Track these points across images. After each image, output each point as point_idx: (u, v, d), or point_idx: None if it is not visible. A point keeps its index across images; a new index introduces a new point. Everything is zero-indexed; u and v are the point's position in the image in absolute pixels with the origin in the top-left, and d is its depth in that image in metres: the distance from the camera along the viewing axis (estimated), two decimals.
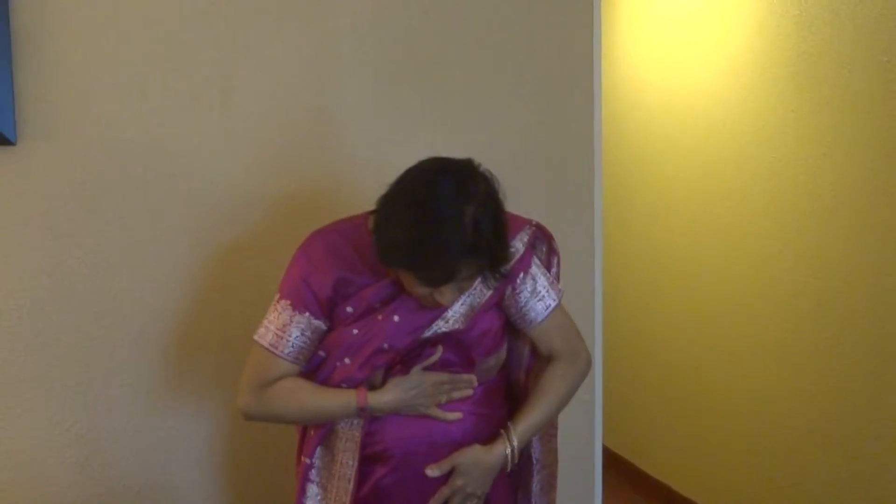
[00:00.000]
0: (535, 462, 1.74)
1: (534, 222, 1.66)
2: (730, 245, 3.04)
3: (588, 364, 1.71)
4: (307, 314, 1.53)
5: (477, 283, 1.52)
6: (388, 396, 1.51)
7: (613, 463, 3.78)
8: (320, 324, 1.54)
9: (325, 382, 1.54)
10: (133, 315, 1.89)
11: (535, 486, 1.74)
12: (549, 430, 1.75)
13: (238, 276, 1.95)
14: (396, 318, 1.51)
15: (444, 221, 1.33)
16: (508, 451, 1.56)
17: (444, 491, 1.53)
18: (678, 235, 3.33)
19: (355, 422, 1.55)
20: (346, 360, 1.53)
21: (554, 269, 1.74)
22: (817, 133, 2.60)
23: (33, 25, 1.75)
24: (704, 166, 3.11)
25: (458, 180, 1.39)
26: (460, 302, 1.53)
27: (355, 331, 1.52)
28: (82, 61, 1.79)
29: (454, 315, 1.53)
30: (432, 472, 1.52)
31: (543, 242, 1.71)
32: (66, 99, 1.79)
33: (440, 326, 1.52)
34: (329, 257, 1.54)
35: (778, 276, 2.82)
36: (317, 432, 1.58)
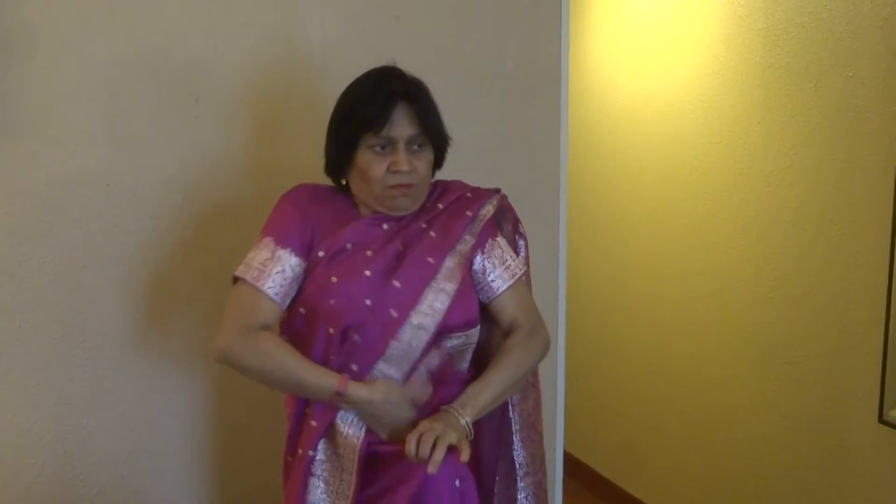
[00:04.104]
0: (518, 466, 1.67)
1: (500, 192, 1.68)
2: (694, 253, 3.06)
3: (547, 343, 1.65)
4: (289, 249, 1.51)
5: (461, 235, 1.58)
6: (366, 392, 1.45)
7: (575, 469, 3.79)
8: (299, 262, 1.52)
9: (312, 348, 1.49)
10: (95, 316, 1.85)
11: (521, 496, 1.67)
12: (532, 434, 1.70)
13: (204, 278, 1.92)
14: (385, 272, 1.51)
15: (378, 81, 1.52)
16: (461, 418, 1.45)
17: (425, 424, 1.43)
18: (643, 241, 3.35)
19: (354, 419, 1.49)
20: (330, 331, 1.48)
21: (522, 254, 1.73)
22: (783, 144, 2.63)
23: None
24: (671, 174, 3.13)
25: (390, 69, 1.55)
26: (449, 256, 1.55)
27: (334, 278, 1.49)
28: (48, 61, 1.74)
29: (448, 266, 1.54)
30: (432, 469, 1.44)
31: (509, 221, 1.71)
32: (30, 99, 1.74)
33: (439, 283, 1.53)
34: (313, 200, 1.59)
35: (741, 283, 2.85)
36: (319, 424, 1.50)
